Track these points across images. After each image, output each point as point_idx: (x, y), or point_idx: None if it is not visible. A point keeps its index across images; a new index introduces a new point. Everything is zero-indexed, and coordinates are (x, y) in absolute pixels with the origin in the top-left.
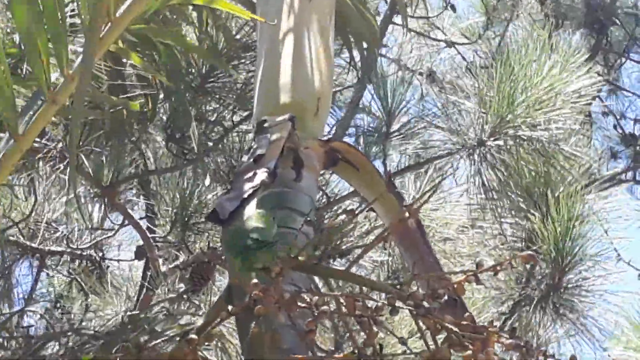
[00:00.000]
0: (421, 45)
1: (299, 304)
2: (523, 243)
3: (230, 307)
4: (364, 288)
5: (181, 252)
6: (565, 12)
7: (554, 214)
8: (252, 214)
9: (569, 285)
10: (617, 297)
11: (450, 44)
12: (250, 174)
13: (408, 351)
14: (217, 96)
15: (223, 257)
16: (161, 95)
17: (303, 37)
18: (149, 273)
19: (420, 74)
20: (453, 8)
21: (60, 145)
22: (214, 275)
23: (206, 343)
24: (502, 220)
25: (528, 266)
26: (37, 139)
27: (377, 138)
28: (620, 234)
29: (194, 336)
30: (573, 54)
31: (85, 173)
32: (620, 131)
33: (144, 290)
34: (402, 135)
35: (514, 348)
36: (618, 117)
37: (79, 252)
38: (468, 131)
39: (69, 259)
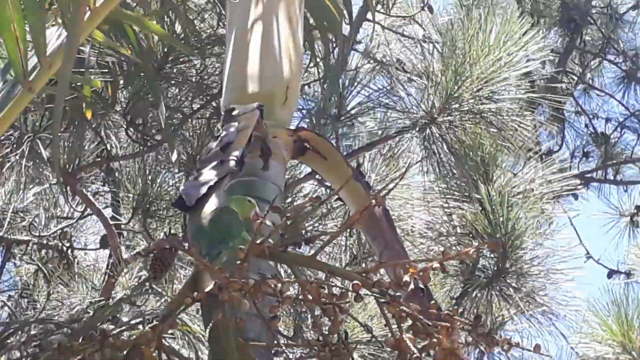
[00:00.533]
0: (395, 40)
1: (264, 290)
2: (469, 226)
3: (194, 294)
4: (329, 275)
5: (143, 239)
6: (541, 10)
7: (492, 197)
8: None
9: (513, 269)
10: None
11: (425, 40)
12: (217, 162)
13: (373, 339)
14: (174, 82)
15: (186, 244)
16: (121, 82)
17: (272, 26)
18: (112, 261)
19: (389, 65)
20: (430, 9)
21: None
22: (175, 261)
23: (170, 330)
24: (450, 202)
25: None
26: None
27: (330, 120)
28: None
29: (157, 323)
30: (516, 22)
31: (45, 161)
32: (592, 130)
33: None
34: (353, 117)
35: (479, 336)
36: (591, 117)
37: (45, 241)
38: (418, 109)
39: (35, 248)
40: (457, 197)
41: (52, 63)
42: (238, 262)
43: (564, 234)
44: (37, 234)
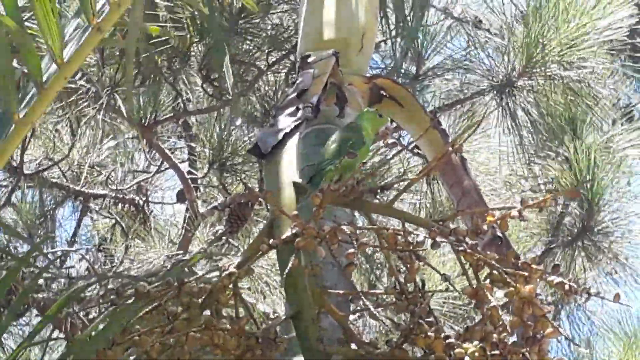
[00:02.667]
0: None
1: (340, 237)
2: (552, 185)
3: (270, 241)
4: (406, 224)
5: (219, 194)
6: None
7: (579, 154)
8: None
9: (600, 227)
10: None
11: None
12: (293, 109)
13: (450, 288)
14: (250, 38)
15: (264, 194)
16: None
17: None
18: (187, 215)
19: (467, 21)
20: None
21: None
22: (251, 215)
23: (246, 276)
24: (532, 162)
25: (559, 208)
26: (73, 79)
27: (407, 79)
28: None
29: (234, 270)
30: None
31: (122, 114)
32: None
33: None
34: (431, 77)
35: (558, 285)
36: None
37: (121, 195)
38: (497, 72)
39: (111, 202)
40: (539, 156)
41: (120, 2)
42: (314, 208)
43: None
44: (114, 188)
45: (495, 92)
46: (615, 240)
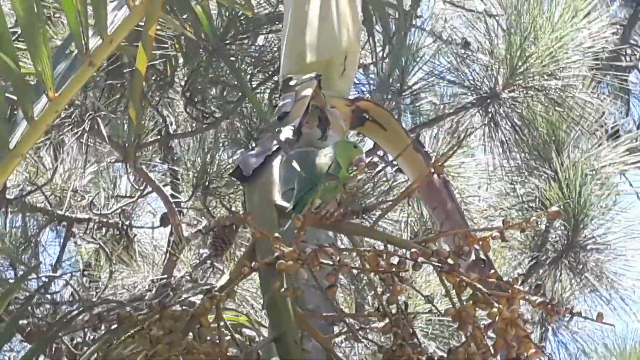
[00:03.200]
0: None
1: (321, 259)
2: (537, 202)
3: (252, 264)
4: (388, 245)
5: (203, 217)
6: None
7: (565, 171)
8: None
9: (584, 243)
10: None
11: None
12: (275, 132)
13: (433, 310)
14: (234, 59)
15: (246, 216)
16: (180, 60)
17: None
18: (172, 239)
19: (456, 44)
20: None
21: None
22: (236, 239)
23: (228, 299)
24: (515, 179)
25: (543, 226)
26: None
27: (391, 95)
28: None
29: (216, 293)
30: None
31: (105, 138)
32: None
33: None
34: (415, 92)
35: (540, 305)
36: None
37: (105, 219)
38: (482, 85)
39: (95, 227)
40: (523, 173)
41: (112, 38)
42: (295, 230)
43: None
44: (98, 212)
45: (480, 105)
46: (601, 256)
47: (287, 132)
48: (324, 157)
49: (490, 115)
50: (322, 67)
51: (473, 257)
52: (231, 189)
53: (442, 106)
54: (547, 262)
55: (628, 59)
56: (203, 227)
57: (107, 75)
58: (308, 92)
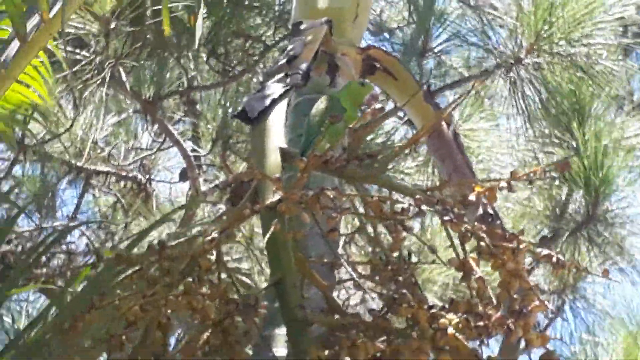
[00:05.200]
0: None
1: (323, 202)
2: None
3: (254, 206)
4: (393, 193)
5: (222, 172)
6: None
7: (587, 142)
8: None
9: (605, 216)
10: None
11: None
12: (282, 75)
13: (437, 260)
14: (257, 11)
15: (247, 158)
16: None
17: None
18: (190, 193)
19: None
20: None
21: (99, 58)
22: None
23: (228, 242)
24: (538, 148)
25: (563, 196)
26: (77, 51)
27: (414, 55)
28: None
29: (215, 235)
30: None
31: (126, 88)
32: None
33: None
34: (438, 54)
35: (545, 258)
36: None
37: (124, 172)
38: (505, 49)
39: (114, 180)
40: (547, 142)
41: None
42: (299, 172)
43: None
44: (117, 164)
45: (502, 69)
46: (621, 230)
47: (294, 76)
48: (326, 102)
49: (512, 80)
50: (333, 14)
51: (481, 211)
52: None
53: (465, 70)
54: (566, 234)
55: None
56: (220, 183)
57: (131, 23)
58: (318, 36)
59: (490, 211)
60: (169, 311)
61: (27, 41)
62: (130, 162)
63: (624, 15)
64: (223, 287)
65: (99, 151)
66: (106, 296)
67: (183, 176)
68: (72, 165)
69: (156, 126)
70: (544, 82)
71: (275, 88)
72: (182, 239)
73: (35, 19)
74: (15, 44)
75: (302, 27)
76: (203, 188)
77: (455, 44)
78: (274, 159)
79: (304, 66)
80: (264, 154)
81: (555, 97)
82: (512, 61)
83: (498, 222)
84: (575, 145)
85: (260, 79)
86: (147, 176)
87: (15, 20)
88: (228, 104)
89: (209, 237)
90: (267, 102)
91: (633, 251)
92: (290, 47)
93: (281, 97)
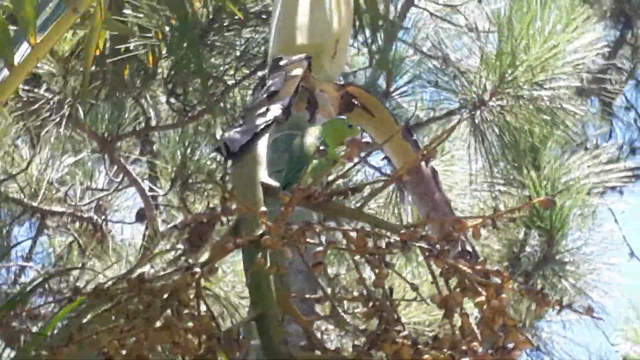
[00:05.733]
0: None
1: (308, 236)
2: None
3: (236, 240)
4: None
5: (180, 213)
6: (592, 1)
7: (543, 182)
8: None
9: (560, 256)
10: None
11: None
12: (263, 110)
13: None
14: (220, 51)
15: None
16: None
17: None
18: (147, 233)
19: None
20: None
21: (58, 97)
22: (212, 236)
23: (210, 276)
24: (497, 187)
25: (521, 236)
26: (35, 90)
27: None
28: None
29: (197, 269)
30: (576, 9)
31: (84, 126)
32: None
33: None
34: (401, 94)
35: (530, 294)
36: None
37: (79, 213)
38: (469, 90)
39: (69, 220)
40: (504, 183)
41: None
42: (283, 205)
43: (608, 227)
44: (73, 204)
45: (466, 111)
46: (576, 270)
47: (276, 111)
48: (312, 137)
49: (476, 123)
50: (312, 50)
51: (459, 248)
52: (210, 185)
53: (429, 112)
54: (523, 274)
55: (613, 81)
56: (179, 223)
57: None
58: (298, 72)
59: (469, 249)
60: (148, 346)
61: (15, 67)
62: (87, 203)
63: (585, 61)
64: (205, 319)
65: (54, 191)
66: (84, 330)
67: (140, 217)
68: (27, 206)
69: (114, 166)
70: (507, 124)
71: (256, 122)
72: (163, 273)
73: (23, 46)
74: (3, 70)
75: (282, 62)
76: (161, 228)
77: (418, 86)
78: (256, 194)
79: (285, 101)
80: (246, 188)
81: (514, 138)
82: (477, 104)
83: (476, 260)
84: (531, 186)
85: (222, 119)
86: (103, 217)
87: (4, 47)
88: (187, 144)
89: (191, 271)
90: (249, 136)
91: (589, 291)
92: (270, 82)
93: (263, 131)
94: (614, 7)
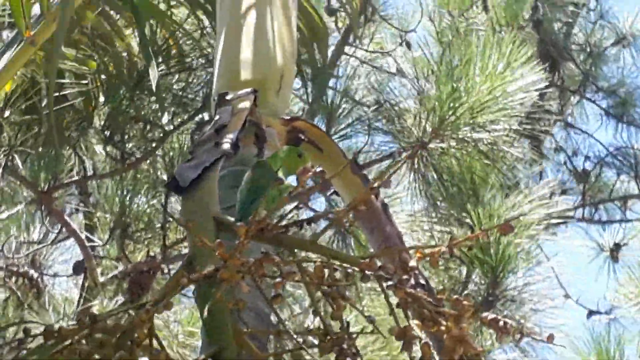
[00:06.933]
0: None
1: (265, 269)
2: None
3: (191, 275)
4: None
5: (120, 262)
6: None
7: (485, 221)
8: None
9: (503, 296)
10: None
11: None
12: (212, 144)
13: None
14: (155, 97)
15: (186, 224)
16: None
17: (265, 12)
18: (87, 284)
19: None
20: (408, 45)
21: None
22: (153, 285)
23: (166, 310)
24: (438, 227)
25: (463, 275)
26: None
27: None
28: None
29: (149, 307)
30: (517, 50)
31: (20, 177)
32: (572, 167)
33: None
34: (341, 138)
35: (491, 322)
36: (570, 155)
37: (15, 268)
38: (409, 133)
39: (4, 275)
40: (446, 223)
41: (56, 16)
42: (240, 238)
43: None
44: (10, 257)
45: (407, 153)
46: (520, 309)
47: (224, 145)
48: (263, 169)
49: (416, 164)
50: (256, 86)
51: (412, 281)
52: (150, 233)
53: (369, 154)
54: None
55: (543, 123)
56: (119, 272)
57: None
58: (245, 105)
59: (422, 281)
60: None
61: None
62: (22, 256)
63: (525, 102)
64: (161, 357)
65: None
66: None
67: (78, 269)
68: None
69: (49, 217)
70: (447, 166)
71: (205, 157)
72: (115, 312)
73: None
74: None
75: (228, 97)
76: (101, 279)
77: (359, 129)
78: (209, 229)
79: (232, 135)
80: (200, 223)
81: (455, 179)
82: (417, 146)
83: (430, 292)
84: (476, 224)
85: (159, 165)
86: (39, 271)
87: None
88: (125, 192)
89: (145, 308)
90: (199, 170)
91: (535, 329)
92: (217, 117)
93: (212, 165)
94: (540, 49)
